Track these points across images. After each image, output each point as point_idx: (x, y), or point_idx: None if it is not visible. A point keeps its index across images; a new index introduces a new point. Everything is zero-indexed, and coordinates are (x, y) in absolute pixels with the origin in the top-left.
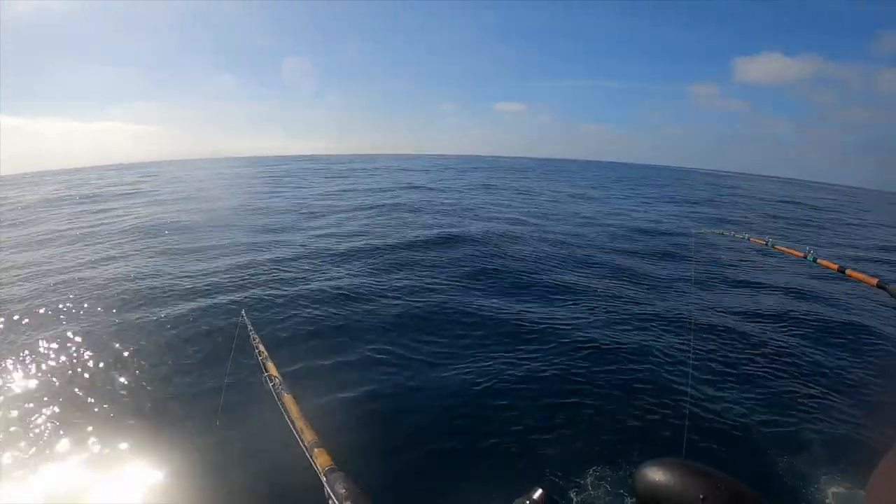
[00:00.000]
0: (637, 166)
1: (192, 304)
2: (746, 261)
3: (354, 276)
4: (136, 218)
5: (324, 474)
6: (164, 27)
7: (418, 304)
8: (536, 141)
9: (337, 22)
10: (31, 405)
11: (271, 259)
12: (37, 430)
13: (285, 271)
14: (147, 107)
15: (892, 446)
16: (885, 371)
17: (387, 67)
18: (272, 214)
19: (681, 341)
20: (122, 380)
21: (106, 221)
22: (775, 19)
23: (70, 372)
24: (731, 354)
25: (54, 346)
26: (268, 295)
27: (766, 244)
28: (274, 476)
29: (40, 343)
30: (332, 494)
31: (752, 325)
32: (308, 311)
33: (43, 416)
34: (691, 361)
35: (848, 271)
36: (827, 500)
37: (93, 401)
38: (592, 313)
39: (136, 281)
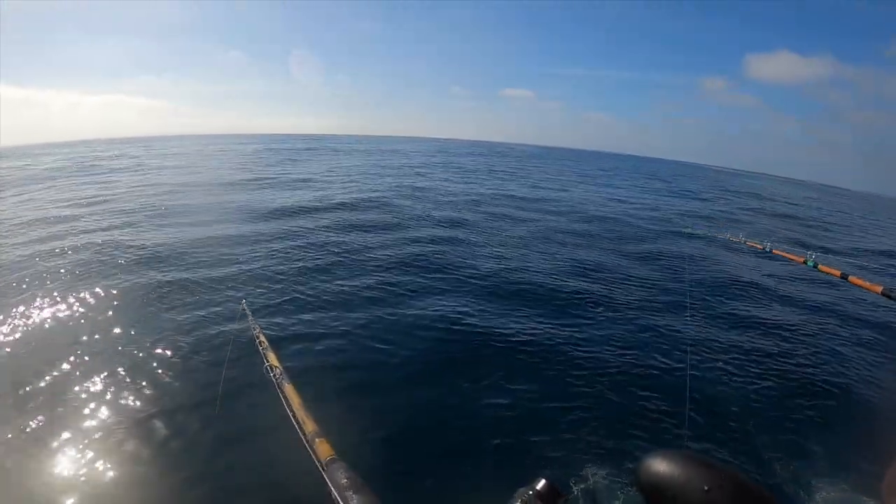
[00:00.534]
0: (644, 159)
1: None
2: (744, 265)
3: (347, 278)
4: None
5: (324, 464)
6: (169, 2)
7: (420, 299)
8: (544, 129)
9: (348, 3)
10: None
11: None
12: (29, 409)
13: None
14: (156, 81)
15: None
16: (889, 377)
17: (398, 48)
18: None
19: (680, 349)
20: (114, 364)
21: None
22: (791, 17)
23: (58, 356)
24: (730, 359)
25: (41, 317)
26: (266, 274)
27: (764, 248)
28: (275, 466)
29: (28, 310)
30: (332, 484)
31: (751, 329)
32: (302, 293)
33: (34, 395)
34: (689, 360)
35: (850, 278)
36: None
37: (81, 386)
38: (593, 312)
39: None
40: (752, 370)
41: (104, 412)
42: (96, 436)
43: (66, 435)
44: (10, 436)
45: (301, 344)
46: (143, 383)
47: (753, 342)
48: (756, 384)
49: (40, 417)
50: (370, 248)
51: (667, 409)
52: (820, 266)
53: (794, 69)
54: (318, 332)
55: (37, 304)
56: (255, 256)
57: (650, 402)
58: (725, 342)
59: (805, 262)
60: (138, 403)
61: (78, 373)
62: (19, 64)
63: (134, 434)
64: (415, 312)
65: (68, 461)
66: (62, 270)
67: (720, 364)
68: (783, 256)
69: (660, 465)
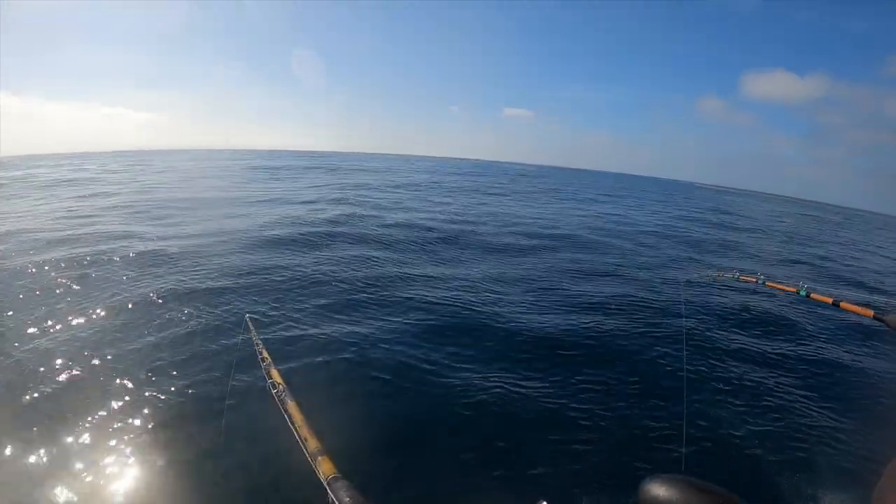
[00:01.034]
0: (641, 179)
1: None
2: (739, 304)
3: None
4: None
5: (327, 482)
6: (173, 16)
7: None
8: (543, 148)
9: (347, 20)
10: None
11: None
12: (27, 423)
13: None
14: (155, 94)
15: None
16: (883, 391)
17: (396, 68)
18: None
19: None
20: (110, 379)
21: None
22: (787, 37)
23: (57, 368)
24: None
25: (36, 329)
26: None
27: (758, 281)
28: (276, 484)
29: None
30: (335, 502)
31: (748, 353)
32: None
33: (32, 409)
34: (685, 373)
35: (842, 304)
36: None
37: (77, 401)
38: (584, 334)
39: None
40: (750, 392)
41: (101, 429)
42: (91, 455)
43: (60, 452)
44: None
45: (305, 358)
46: (143, 399)
47: (751, 365)
48: (755, 405)
49: (38, 430)
50: (391, 265)
51: (664, 429)
52: (811, 295)
53: (790, 88)
54: (324, 347)
55: (31, 316)
56: (261, 269)
57: (645, 421)
58: (722, 362)
59: (797, 292)
60: (137, 422)
61: (75, 388)
62: (22, 75)
63: (133, 453)
64: (431, 326)
65: (60, 482)
66: (60, 281)
67: (718, 385)
68: (776, 288)
69: (659, 490)
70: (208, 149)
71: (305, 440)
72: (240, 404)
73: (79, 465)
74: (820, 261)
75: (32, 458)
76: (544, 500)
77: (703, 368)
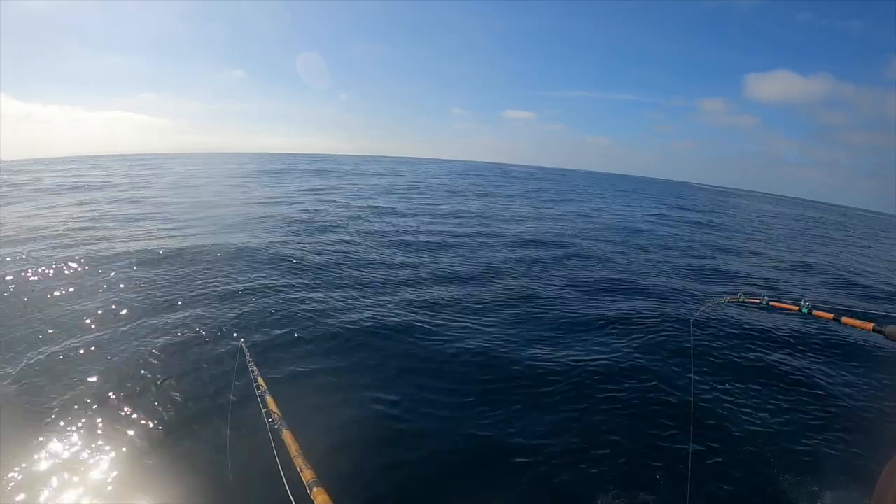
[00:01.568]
0: (644, 180)
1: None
2: (748, 327)
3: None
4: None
5: None
6: (175, 19)
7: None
8: (544, 150)
9: (349, 23)
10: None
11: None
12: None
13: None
14: (157, 98)
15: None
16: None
17: (399, 69)
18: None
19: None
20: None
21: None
22: (791, 38)
23: (48, 394)
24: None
25: (29, 350)
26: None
27: (762, 302)
28: None
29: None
30: None
31: (756, 367)
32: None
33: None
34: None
35: (843, 319)
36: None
37: (75, 427)
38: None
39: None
40: (757, 397)
41: (98, 459)
42: (91, 482)
43: (53, 484)
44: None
45: (301, 385)
46: (138, 426)
47: (759, 374)
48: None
49: (31, 460)
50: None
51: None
52: (814, 312)
53: (793, 89)
54: (321, 373)
55: (24, 333)
56: (261, 285)
57: (653, 431)
58: (729, 370)
59: (800, 310)
60: (133, 450)
61: (72, 411)
62: (24, 79)
63: (130, 481)
64: (433, 350)
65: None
66: (55, 294)
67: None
68: (780, 307)
69: None
70: (219, 152)
71: (300, 470)
72: (235, 434)
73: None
74: (822, 265)
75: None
76: None
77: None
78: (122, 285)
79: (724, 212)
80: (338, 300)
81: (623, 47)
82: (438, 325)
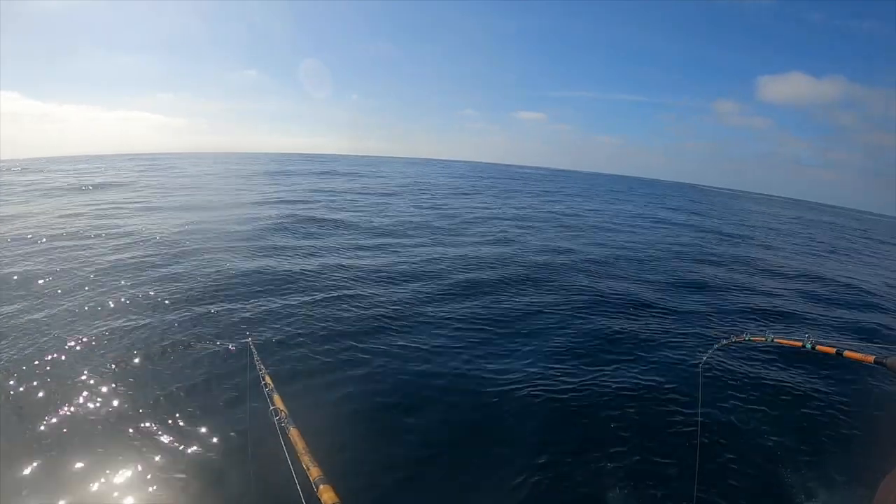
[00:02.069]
0: (656, 182)
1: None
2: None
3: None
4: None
5: None
6: (188, 19)
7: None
8: (557, 151)
9: (360, 23)
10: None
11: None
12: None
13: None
14: (173, 98)
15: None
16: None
17: (410, 71)
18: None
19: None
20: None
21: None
22: (804, 39)
23: (60, 394)
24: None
25: (40, 347)
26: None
27: (767, 340)
28: None
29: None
30: None
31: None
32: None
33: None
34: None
35: (845, 353)
36: None
37: (87, 426)
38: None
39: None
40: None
41: (103, 458)
42: (96, 481)
43: (66, 479)
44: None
45: (307, 383)
46: (143, 424)
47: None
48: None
49: (44, 454)
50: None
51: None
52: (817, 347)
53: (806, 91)
54: (327, 371)
55: (35, 333)
56: (268, 290)
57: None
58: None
59: (803, 346)
60: (139, 448)
61: (83, 413)
62: (40, 79)
63: (136, 479)
64: (440, 350)
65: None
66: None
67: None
68: (784, 344)
69: None
70: (233, 152)
71: (307, 468)
72: (241, 431)
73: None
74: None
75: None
76: None
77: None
78: (123, 283)
79: (742, 221)
80: (347, 299)
81: (634, 48)
82: (445, 323)
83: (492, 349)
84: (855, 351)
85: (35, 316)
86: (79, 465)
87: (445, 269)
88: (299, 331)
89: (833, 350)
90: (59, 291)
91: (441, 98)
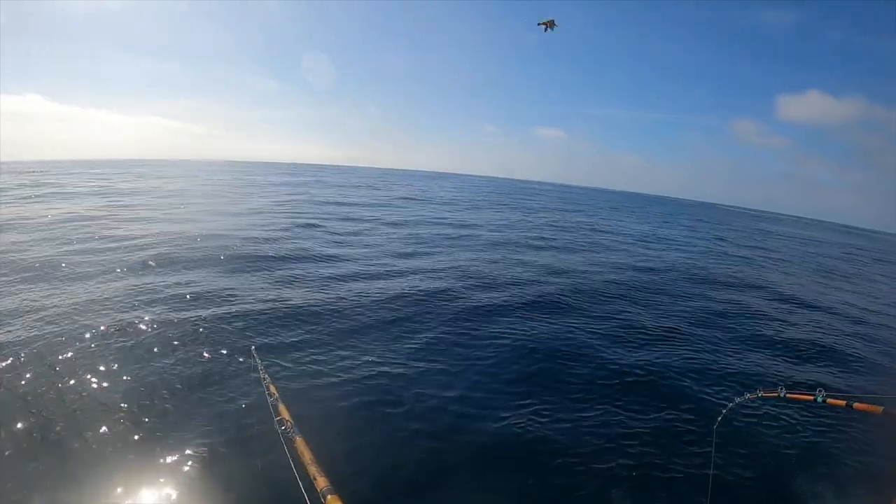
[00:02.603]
0: (679, 201)
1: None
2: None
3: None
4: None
5: None
6: (211, 28)
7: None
8: (577, 167)
9: (382, 35)
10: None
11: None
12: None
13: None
14: (191, 105)
15: None
16: None
17: (430, 84)
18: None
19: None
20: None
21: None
22: (823, 58)
23: (61, 402)
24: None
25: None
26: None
27: (779, 395)
28: None
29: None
30: None
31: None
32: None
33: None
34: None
35: (855, 405)
36: None
37: (87, 434)
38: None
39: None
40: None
41: (106, 467)
42: (99, 489)
43: (67, 483)
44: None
45: (314, 392)
46: (146, 432)
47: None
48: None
49: (44, 461)
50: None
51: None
52: (828, 400)
53: (825, 110)
54: (333, 380)
55: (39, 336)
56: (269, 297)
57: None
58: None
59: (815, 399)
60: (142, 459)
61: (87, 417)
62: (62, 82)
63: (140, 489)
64: (447, 354)
65: None
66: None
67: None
68: (796, 399)
69: None
70: (257, 160)
71: (314, 479)
72: (247, 441)
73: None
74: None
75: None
76: None
77: None
78: (135, 284)
79: (766, 246)
80: (348, 303)
81: (654, 66)
82: (453, 327)
83: (500, 368)
84: (864, 403)
85: (41, 312)
86: (81, 469)
87: (461, 288)
88: (306, 337)
89: (843, 403)
90: (69, 291)
91: (461, 113)
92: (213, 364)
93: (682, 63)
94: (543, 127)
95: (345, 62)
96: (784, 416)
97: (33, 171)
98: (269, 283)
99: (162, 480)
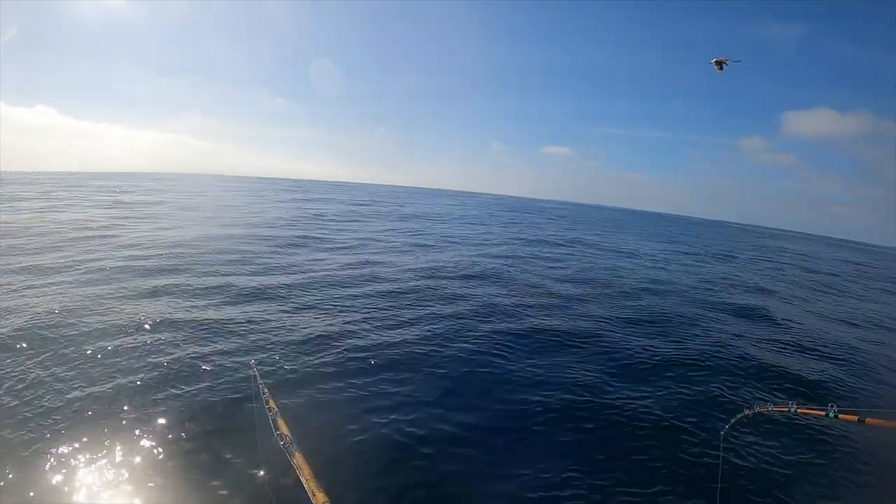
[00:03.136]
0: (691, 220)
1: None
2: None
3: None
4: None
5: None
6: (222, 48)
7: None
8: (582, 186)
9: (393, 56)
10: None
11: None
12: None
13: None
14: (202, 121)
15: None
16: None
17: (440, 103)
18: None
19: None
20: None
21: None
22: (829, 74)
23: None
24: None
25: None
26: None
27: (790, 410)
28: None
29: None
30: None
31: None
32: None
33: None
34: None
35: (867, 420)
36: None
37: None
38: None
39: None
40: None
41: (105, 482)
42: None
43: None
44: None
45: (313, 407)
46: (146, 449)
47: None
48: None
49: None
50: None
51: None
52: (840, 415)
53: (832, 126)
54: (332, 395)
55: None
56: (271, 312)
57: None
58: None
59: (827, 415)
60: (141, 474)
61: (82, 427)
62: (75, 97)
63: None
64: (448, 375)
65: None
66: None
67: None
68: (808, 413)
69: None
70: (267, 176)
71: (313, 494)
72: (247, 456)
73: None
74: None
75: None
76: None
77: None
78: (139, 289)
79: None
80: (347, 322)
81: (659, 83)
82: (453, 348)
83: (502, 383)
84: (876, 418)
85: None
86: (78, 482)
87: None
88: (306, 354)
89: (855, 418)
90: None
91: (469, 132)
92: (212, 378)
93: (687, 80)
94: (551, 145)
95: (356, 80)
96: (795, 431)
97: (42, 182)
98: (285, 306)
99: (157, 494)
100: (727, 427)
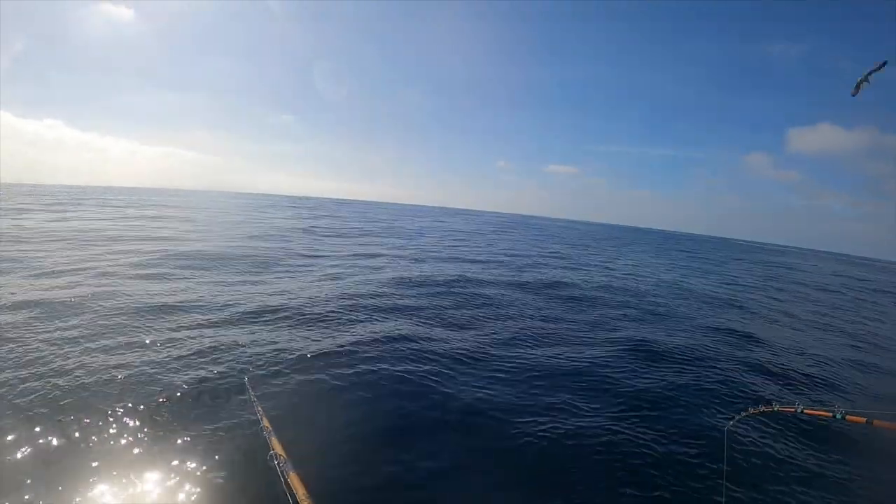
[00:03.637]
0: (696, 237)
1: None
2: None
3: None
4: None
5: None
6: (227, 62)
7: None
8: (591, 204)
9: (400, 74)
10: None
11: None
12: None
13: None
14: (209, 136)
15: None
16: None
17: (444, 122)
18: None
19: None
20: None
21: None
22: (832, 89)
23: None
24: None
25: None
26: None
27: (797, 411)
28: None
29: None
30: None
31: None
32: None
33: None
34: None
35: (874, 422)
36: None
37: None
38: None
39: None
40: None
41: (88, 491)
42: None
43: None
44: None
45: (308, 424)
46: (139, 466)
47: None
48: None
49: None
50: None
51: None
52: (847, 417)
53: (836, 142)
54: (330, 412)
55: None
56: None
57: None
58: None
59: (834, 416)
60: (133, 492)
61: (74, 440)
62: (84, 109)
63: None
64: (447, 394)
65: None
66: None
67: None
68: (814, 415)
69: None
70: (277, 194)
71: None
72: (239, 475)
73: None
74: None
75: None
76: None
77: None
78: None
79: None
80: (347, 336)
81: (664, 101)
82: (450, 369)
83: (505, 387)
84: (884, 420)
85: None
86: (74, 497)
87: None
88: (299, 370)
89: (863, 420)
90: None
91: (474, 151)
92: (207, 393)
93: (692, 97)
94: (557, 164)
95: (362, 96)
96: (800, 432)
97: (56, 194)
98: (292, 328)
99: None
100: (732, 423)
